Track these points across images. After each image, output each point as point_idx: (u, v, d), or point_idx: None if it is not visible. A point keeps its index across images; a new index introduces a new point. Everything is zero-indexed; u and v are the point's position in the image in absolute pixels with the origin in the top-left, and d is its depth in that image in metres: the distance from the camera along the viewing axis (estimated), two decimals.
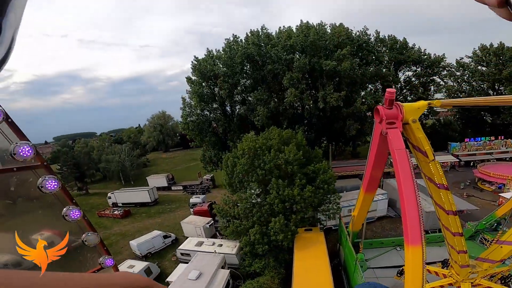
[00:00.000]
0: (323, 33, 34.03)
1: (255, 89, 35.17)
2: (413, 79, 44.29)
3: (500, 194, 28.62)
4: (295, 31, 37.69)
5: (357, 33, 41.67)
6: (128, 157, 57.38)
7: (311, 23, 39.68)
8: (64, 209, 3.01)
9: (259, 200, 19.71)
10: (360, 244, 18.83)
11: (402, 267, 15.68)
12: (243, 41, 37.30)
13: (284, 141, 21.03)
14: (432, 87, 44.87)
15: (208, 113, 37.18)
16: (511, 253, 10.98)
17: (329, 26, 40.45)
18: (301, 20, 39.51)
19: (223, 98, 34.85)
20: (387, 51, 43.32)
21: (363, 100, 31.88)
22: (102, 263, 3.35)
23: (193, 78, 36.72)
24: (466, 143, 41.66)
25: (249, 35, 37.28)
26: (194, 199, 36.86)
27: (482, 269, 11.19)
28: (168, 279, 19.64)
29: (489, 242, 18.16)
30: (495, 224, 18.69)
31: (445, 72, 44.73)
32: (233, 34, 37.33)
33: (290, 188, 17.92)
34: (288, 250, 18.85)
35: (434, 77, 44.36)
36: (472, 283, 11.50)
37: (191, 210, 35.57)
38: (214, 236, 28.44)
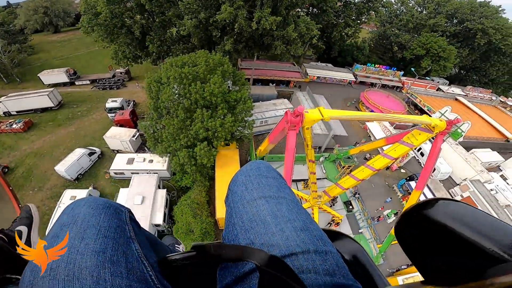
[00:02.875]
0: None
1: None
2: (352, 5, 46.42)
3: (365, 123, 37.69)
4: None
5: None
6: (6, 54, 44.19)
7: None
8: None
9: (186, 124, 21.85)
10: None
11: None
12: None
13: (211, 69, 22.05)
14: (364, 18, 49.19)
15: (120, 11, 31.36)
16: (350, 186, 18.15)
17: None
18: None
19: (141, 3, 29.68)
20: None
21: (296, 25, 32.75)
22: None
23: None
24: (367, 67, 51.25)
25: None
26: (110, 103, 34.31)
27: (323, 200, 19.45)
28: None
29: (341, 167, 27.45)
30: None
31: (381, 8, 48.73)
32: None
33: (213, 119, 20.65)
34: (211, 166, 23.50)
35: (371, 11, 47.79)
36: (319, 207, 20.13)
37: (109, 116, 34.27)
38: (141, 147, 30.19)
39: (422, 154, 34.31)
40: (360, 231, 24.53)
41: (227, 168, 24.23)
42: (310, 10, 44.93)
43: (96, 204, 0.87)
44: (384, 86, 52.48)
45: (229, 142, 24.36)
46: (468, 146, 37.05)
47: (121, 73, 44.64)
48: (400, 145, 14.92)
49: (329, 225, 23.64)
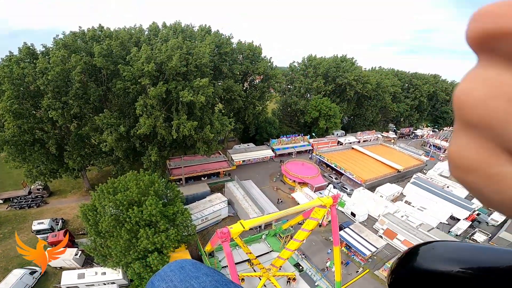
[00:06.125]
0: (191, 47, 35.50)
1: (99, 103, 33.88)
2: (256, 85, 55.50)
3: (291, 195, 42.77)
4: (161, 30, 38.07)
5: (223, 39, 46.75)
6: None
7: (183, 26, 42.37)
8: None
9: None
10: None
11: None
12: (86, 37, 33.77)
13: (143, 192, 24.15)
14: (266, 95, 57.61)
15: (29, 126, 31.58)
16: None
17: (198, 28, 45.22)
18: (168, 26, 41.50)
19: (53, 119, 31.09)
20: (242, 58, 50.79)
21: (211, 124, 37.26)
22: None
23: None
24: (281, 139, 59.39)
25: (98, 33, 34.30)
26: (37, 226, 33.18)
27: (273, 271, 23.25)
28: None
29: (282, 238, 31.91)
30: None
31: (277, 84, 57.52)
32: (71, 32, 32.84)
33: (158, 234, 22.69)
34: None
35: (270, 88, 56.95)
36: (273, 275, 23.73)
37: (38, 237, 32.21)
38: (86, 261, 30.18)
39: None
40: (316, 284, 28.78)
41: None
42: (223, 97, 49.90)
43: None
44: (299, 153, 60.32)
45: (178, 246, 26.13)
46: (372, 186, 47.40)
47: (38, 189, 40.88)
48: (310, 220, 20.37)
49: (288, 283, 27.72)
